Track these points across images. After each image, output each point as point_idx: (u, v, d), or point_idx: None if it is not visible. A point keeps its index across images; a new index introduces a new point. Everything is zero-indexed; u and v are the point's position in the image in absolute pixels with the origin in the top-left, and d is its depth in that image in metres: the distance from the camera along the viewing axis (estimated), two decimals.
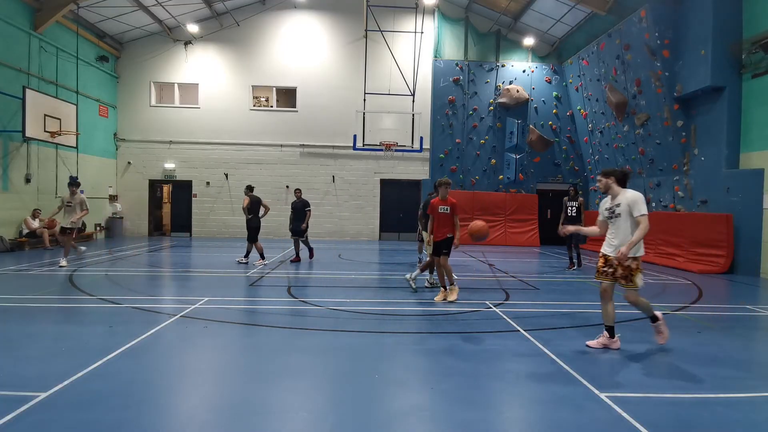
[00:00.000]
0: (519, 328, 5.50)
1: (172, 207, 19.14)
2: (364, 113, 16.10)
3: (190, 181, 18.29)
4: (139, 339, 4.74)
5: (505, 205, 17.81)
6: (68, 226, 9.62)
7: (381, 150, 15.90)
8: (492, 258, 12.90)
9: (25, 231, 13.01)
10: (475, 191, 18.05)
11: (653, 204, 13.71)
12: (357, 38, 17.99)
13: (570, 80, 17.66)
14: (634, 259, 4.52)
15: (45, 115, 13.00)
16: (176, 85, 18.30)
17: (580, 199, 10.72)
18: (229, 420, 3.09)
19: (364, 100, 16.50)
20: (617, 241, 4.62)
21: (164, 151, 18.15)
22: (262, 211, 10.69)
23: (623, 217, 4.57)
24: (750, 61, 10.65)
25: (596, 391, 3.62)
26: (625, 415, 3.22)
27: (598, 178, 4.86)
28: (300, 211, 10.99)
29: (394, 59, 16.93)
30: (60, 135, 13.52)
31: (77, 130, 14.38)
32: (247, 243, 10.70)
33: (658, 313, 4.75)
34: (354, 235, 18.67)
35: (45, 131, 13.03)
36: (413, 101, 16.70)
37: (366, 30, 16.82)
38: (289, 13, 18.40)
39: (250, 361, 4.32)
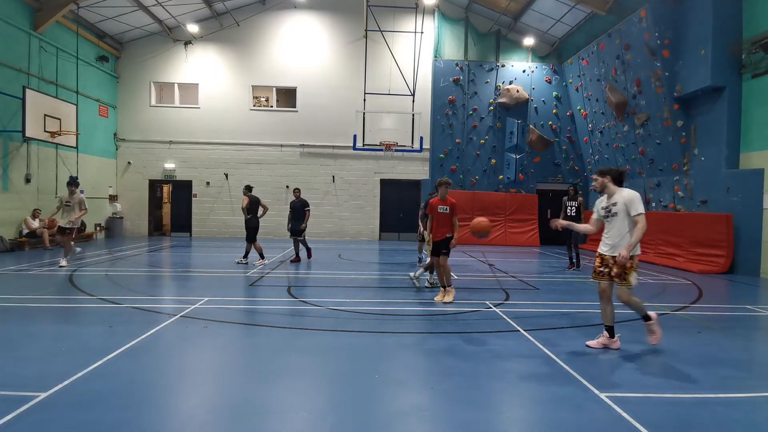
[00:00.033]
0: (519, 328, 5.50)
1: (172, 207, 19.14)
2: (364, 113, 16.10)
3: (190, 181, 18.29)
4: (139, 339, 4.74)
5: (505, 205, 17.81)
6: (66, 225, 9.61)
7: (381, 150, 15.90)
8: (492, 258, 12.90)
9: (25, 231, 13.01)
10: (475, 191, 18.05)
11: (653, 204, 13.71)
12: (357, 38, 17.99)
13: (570, 80, 17.66)
14: (630, 257, 4.52)
15: (45, 115, 13.00)
16: (176, 85, 18.30)
17: (580, 198, 10.73)
18: (229, 420, 3.09)
19: (364, 100, 16.50)
20: (613, 240, 4.62)
21: (164, 151, 18.15)
22: (260, 211, 10.67)
23: (620, 216, 4.57)
24: (750, 61, 10.65)
25: (596, 391, 3.62)
26: (625, 415, 3.22)
27: (594, 177, 4.86)
28: (299, 210, 10.99)
29: (394, 59, 16.93)
30: (60, 135, 13.52)
31: (77, 130, 14.38)
32: (246, 243, 10.69)
33: (651, 313, 4.73)
34: (354, 235, 18.67)
35: (45, 131, 13.04)
36: (413, 101, 16.70)
37: (366, 30, 16.82)
38: (289, 13, 18.40)
39: (250, 361, 4.32)
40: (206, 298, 6.77)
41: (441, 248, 6.91)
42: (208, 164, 18.26)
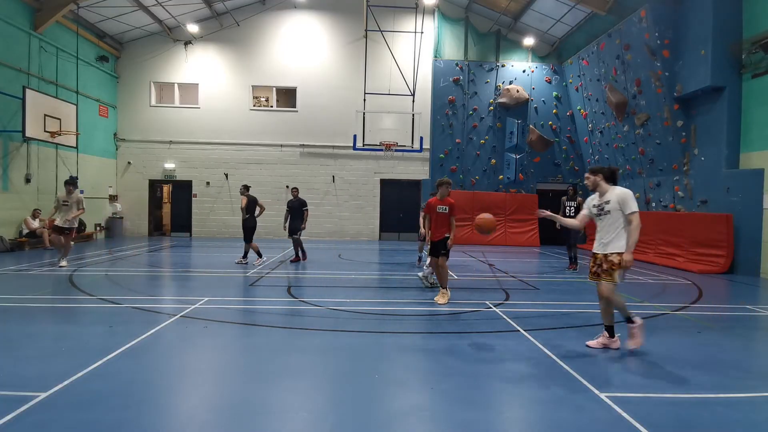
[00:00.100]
0: (519, 328, 5.50)
1: (172, 207, 19.14)
2: (364, 113, 16.10)
3: (190, 181, 18.29)
4: (139, 339, 4.74)
5: (505, 205, 17.81)
6: (65, 225, 9.58)
7: (381, 150, 15.90)
8: (492, 258, 12.89)
9: (25, 231, 13.01)
10: (475, 191, 18.06)
11: (653, 204, 13.71)
12: (357, 38, 17.99)
13: (570, 80, 17.66)
14: (619, 254, 4.52)
15: (45, 115, 13.00)
16: (176, 85, 18.30)
17: (579, 198, 10.70)
18: (229, 420, 3.09)
19: (364, 100, 16.50)
20: (606, 238, 4.62)
21: (164, 151, 18.15)
22: (257, 210, 10.69)
23: (613, 214, 4.57)
24: (750, 61, 10.66)
25: (596, 391, 3.62)
26: (625, 415, 3.22)
27: (586, 175, 4.86)
28: (297, 210, 10.98)
29: (394, 59, 16.93)
30: (60, 135, 13.53)
31: (77, 130, 14.38)
32: (245, 244, 10.70)
33: (637, 319, 4.62)
34: (354, 235, 18.67)
35: (45, 131, 13.04)
36: (413, 101, 16.71)
37: (366, 30, 16.82)
38: (289, 13, 18.40)
39: (250, 361, 4.32)
40: (206, 298, 6.77)
41: (440, 248, 6.89)
42: (208, 164, 18.26)
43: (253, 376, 3.94)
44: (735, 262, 10.69)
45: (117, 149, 18.07)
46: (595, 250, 4.74)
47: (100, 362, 4.03)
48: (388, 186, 18.77)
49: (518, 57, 18.59)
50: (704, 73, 11.10)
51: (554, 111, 18.34)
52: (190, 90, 18.40)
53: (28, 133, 12.46)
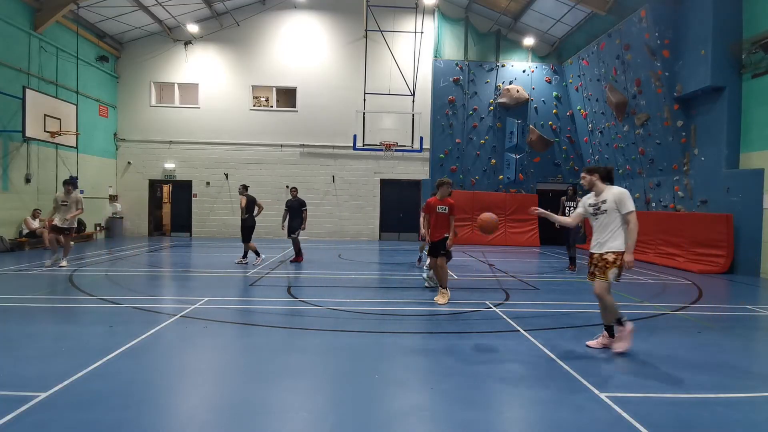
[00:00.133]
0: (519, 328, 5.50)
1: (172, 207, 19.15)
2: (364, 113, 16.11)
3: (190, 181, 18.29)
4: (139, 339, 4.74)
5: (505, 205, 17.80)
6: (64, 225, 9.55)
7: (381, 150, 15.90)
8: (492, 258, 12.90)
9: (25, 231, 13.01)
10: (475, 191, 18.06)
11: (653, 204, 13.71)
12: (357, 38, 17.99)
13: (570, 80, 17.66)
14: (614, 253, 4.51)
15: (45, 115, 13.00)
16: (176, 85, 18.30)
17: (578, 199, 10.67)
18: (229, 420, 3.09)
19: (364, 100, 16.50)
20: (602, 237, 4.62)
21: (164, 151, 18.16)
22: (255, 210, 10.71)
23: (609, 213, 4.57)
24: (750, 61, 10.65)
25: (596, 391, 3.62)
26: (625, 415, 3.22)
27: (582, 175, 4.86)
28: (296, 210, 10.98)
29: (394, 59, 16.93)
30: (60, 135, 13.53)
31: (77, 130, 14.38)
32: (244, 244, 10.71)
33: (629, 324, 4.60)
34: (354, 235, 18.67)
35: (45, 131, 13.04)
36: (413, 101, 16.71)
37: (366, 30, 16.82)
38: (289, 13, 18.40)
39: (250, 361, 4.32)
40: (206, 298, 6.77)
41: (440, 249, 6.89)
42: (208, 164, 18.26)
43: (253, 376, 3.94)
44: (735, 262, 10.69)
45: (117, 149, 18.07)
46: (591, 250, 4.75)
47: (100, 362, 4.03)
48: (388, 186, 18.76)
49: (518, 57, 18.59)
50: (704, 73, 11.10)
51: (554, 111, 18.34)
52: (190, 90, 18.40)
53: (28, 133, 12.46)
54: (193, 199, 18.32)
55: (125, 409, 3.19)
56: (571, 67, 17.35)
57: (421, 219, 7.03)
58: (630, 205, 4.50)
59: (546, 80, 18.39)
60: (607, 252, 4.54)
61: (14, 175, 12.90)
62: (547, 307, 6.80)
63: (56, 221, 9.55)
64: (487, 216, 6.29)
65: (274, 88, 18.70)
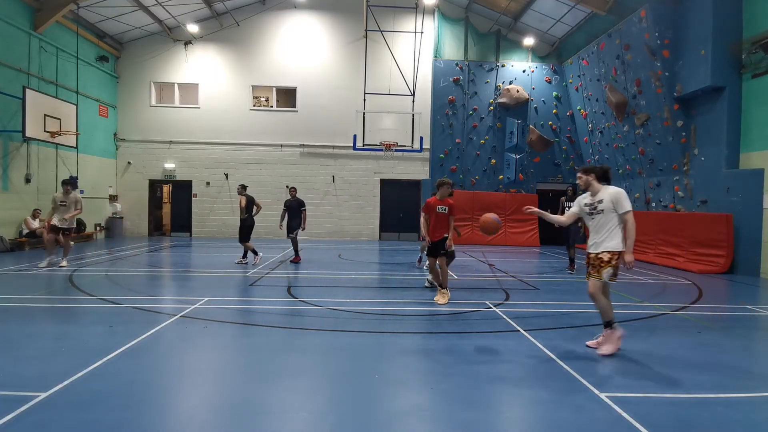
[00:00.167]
0: (519, 328, 5.50)
1: (172, 207, 19.14)
2: (364, 113, 16.11)
3: (190, 181, 18.29)
4: (139, 339, 4.74)
5: (505, 205, 17.80)
6: (63, 225, 9.53)
7: (381, 150, 15.90)
8: (492, 258, 12.89)
9: (25, 231, 13.01)
10: (475, 191, 18.06)
11: (653, 204, 13.71)
12: (357, 38, 17.99)
13: (570, 80, 17.66)
14: (610, 253, 4.50)
15: (45, 115, 13.00)
16: (176, 85, 18.30)
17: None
18: (229, 420, 3.09)
19: (364, 100, 16.50)
20: (598, 237, 4.62)
21: (164, 151, 18.15)
22: (254, 209, 10.72)
23: (606, 213, 4.57)
24: (750, 61, 10.65)
25: (596, 391, 3.62)
26: (625, 415, 3.22)
27: (578, 175, 4.85)
28: (295, 210, 10.98)
29: (394, 59, 16.93)
30: (60, 135, 13.52)
31: (77, 130, 14.38)
32: (243, 244, 10.71)
33: (619, 330, 4.59)
34: (354, 235, 18.66)
35: (45, 131, 13.04)
36: (413, 101, 16.71)
37: (366, 30, 16.82)
38: (289, 13, 18.40)
39: (250, 361, 4.32)
40: (206, 298, 6.77)
41: (440, 249, 6.89)
42: (208, 164, 18.26)
43: (253, 376, 3.94)
44: (735, 262, 10.68)
45: (117, 149, 18.07)
46: (588, 250, 4.75)
47: (100, 362, 4.03)
48: (388, 186, 18.76)
49: (518, 57, 18.59)
50: (704, 73, 11.10)
51: (554, 111, 18.34)
52: (190, 90, 18.40)
53: (28, 133, 12.46)
54: (193, 199, 18.32)
55: (125, 409, 3.19)
56: (571, 67, 17.35)
57: (422, 219, 7.02)
58: (627, 205, 4.50)
59: (546, 80, 18.39)
60: (603, 252, 4.54)
61: (14, 175, 12.90)
62: (547, 307, 6.80)
63: (55, 221, 9.53)
64: (489, 217, 6.13)
65: (274, 88, 18.70)
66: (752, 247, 10.41)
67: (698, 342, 5.16)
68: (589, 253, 4.71)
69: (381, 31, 16.90)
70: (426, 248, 7.08)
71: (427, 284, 8.11)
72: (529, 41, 18.05)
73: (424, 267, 8.36)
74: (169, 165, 18.10)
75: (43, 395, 3.32)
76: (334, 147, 18.37)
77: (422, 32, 17.34)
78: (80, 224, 15.03)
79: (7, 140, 12.64)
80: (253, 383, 3.77)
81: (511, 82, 18.33)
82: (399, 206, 18.69)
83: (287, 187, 17.69)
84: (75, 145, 14.49)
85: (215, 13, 17.76)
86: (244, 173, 17.98)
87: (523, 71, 18.40)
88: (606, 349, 4.54)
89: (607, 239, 4.55)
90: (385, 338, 5.09)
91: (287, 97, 19.02)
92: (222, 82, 18.22)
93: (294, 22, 18.40)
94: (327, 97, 18.30)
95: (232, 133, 18.22)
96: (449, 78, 18.28)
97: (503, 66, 18.41)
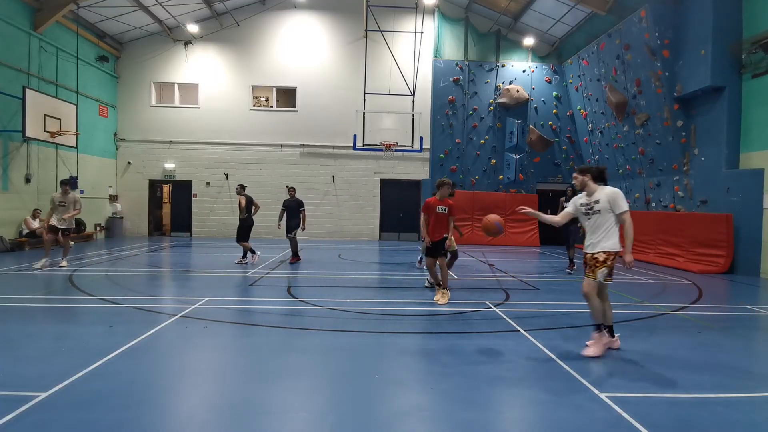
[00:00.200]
0: (519, 328, 5.50)
1: (172, 207, 19.14)
2: (364, 113, 16.10)
3: (190, 181, 18.29)
4: (139, 339, 4.74)
5: (505, 205, 17.78)
6: (62, 226, 9.52)
7: (381, 150, 15.89)
8: (492, 258, 12.90)
9: (25, 231, 13.01)
10: (475, 191, 18.05)
11: (653, 204, 13.71)
12: (357, 38, 17.99)
13: (570, 80, 17.66)
14: (606, 253, 4.49)
15: (45, 115, 13.00)
16: (176, 85, 18.30)
17: None
18: (229, 420, 3.09)
19: (364, 100, 16.50)
20: (595, 238, 4.61)
21: (164, 151, 18.15)
22: (252, 209, 10.73)
23: (602, 213, 4.56)
24: (750, 61, 10.65)
25: (596, 391, 3.62)
26: (625, 415, 3.22)
27: (574, 175, 4.83)
28: (294, 209, 10.98)
29: (394, 59, 16.93)
30: (60, 135, 13.52)
31: (77, 130, 14.38)
32: (240, 243, 10.72)
33: (606, 336, 4.57)
34: (354, 235, 18.66)
35: (45, 131, 13.04)
36: (413, 101, 16.70)
37: (366, 30, 16.82)
38: (289, 13, 18.40)
39: (250, 361, 4.32)
40: (206, 298, 6.77)
41: (440, 249, 6.89)
42: (208, 164, 18.26)
43: (253, 376, 3.94)
44: (735, 262, 10.68)
45: (117, 149, 18.07)
46: (585, 250, 4.74)
47: (100, 362, 4.03)
48: (388, 186, 18.76)
49: (518, 57, 18.59)
50: (704, 73, 11.10)
51: (554, 111, 18.34)
52: (190, 90, 18.40)
53: (28, 133, 12.46)
54: (193, 199, 18.32)
55: (125, 409, 3.19)
56: (571, 67, 17.35)
57: (422, 219, 7.02)
58: (624, 205, 4.50)
59: (546, 80, 18.39)
60: (599, 252, 4.54)
61: (14, 175, 12.90)
62: (547, 307, 6.80)
63: (53, 221, 9.53)
64: (492, 221, 5.80)
65: (274, 88, 18.70)
66: (752, 247, 10.41)
67: (698, 342, 5.16)
68: (586, 253, 4.71)
69: (381, 31, 16.91)
70: (426, 248, 7.08)
71: (427, 284, 8.11)
72: (529, 41, 18.05)
73: (424, 267, 8.36)
74: (169, 165, 18.10)
75: (43, 395, 3.32)
76: (334, 147, 18.37)
77: (422, 32, 17.34)
78: (80, 224, 15.04)
79: (7, 140, 12.64)
80: (253, 383, 3.77)
81: (511, 82, 18.33)
82: (399, 206, 18.69)
83: (287, 187, 17.80)
84: (75, 145, 14.49)
85: (215, 13, 17.76)
86: (244, 173, 17.98)
87: (523, 71, 18.40)
88: (592, 351, 4.48)
89: (603, 239, 4.54)
90: (385, 338, 5.09)
91: (287, 97, 19.02)
92: (222, 82, 18.21)
93: (294, 22, 18.40)
94: (327, 97, 18.29)
95: (232, 133, 18.22)
96: (449, 78, 18.28)
97: (503, 66, 18.41)
